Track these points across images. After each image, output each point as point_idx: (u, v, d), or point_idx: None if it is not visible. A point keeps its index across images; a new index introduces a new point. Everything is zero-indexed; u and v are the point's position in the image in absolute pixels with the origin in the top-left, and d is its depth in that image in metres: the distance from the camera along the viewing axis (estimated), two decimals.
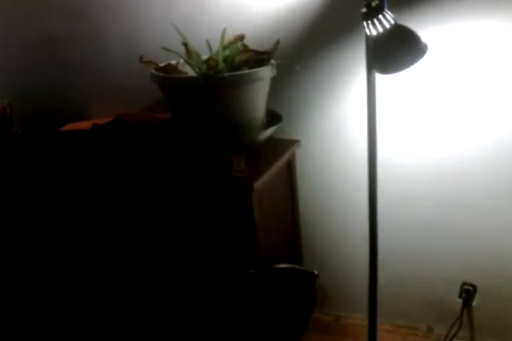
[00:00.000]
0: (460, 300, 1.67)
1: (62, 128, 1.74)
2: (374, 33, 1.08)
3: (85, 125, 1.69)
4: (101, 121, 1.66)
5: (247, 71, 1.34)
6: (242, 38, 1.42)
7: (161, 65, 1.42)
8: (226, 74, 1.32)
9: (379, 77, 1.20)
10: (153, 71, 1.40)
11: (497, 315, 1.64)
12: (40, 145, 1.68)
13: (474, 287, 1.65)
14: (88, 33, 1.76)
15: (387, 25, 1.07)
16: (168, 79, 1.38)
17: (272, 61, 1.40)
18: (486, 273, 1.61)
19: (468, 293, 1.65)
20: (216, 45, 1.40)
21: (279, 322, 1.34)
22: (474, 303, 1.66)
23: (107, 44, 1.76)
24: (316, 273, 1.35)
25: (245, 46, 1.42)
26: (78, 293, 1.74)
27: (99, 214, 1.59)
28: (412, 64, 1.10)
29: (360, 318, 1.79)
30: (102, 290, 1.71)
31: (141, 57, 1.40)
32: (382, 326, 1.72)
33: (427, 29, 1.34)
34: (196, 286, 1.44)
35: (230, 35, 1.41)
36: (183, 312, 1.49)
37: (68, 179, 1.59)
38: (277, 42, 1.39)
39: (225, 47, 1.40)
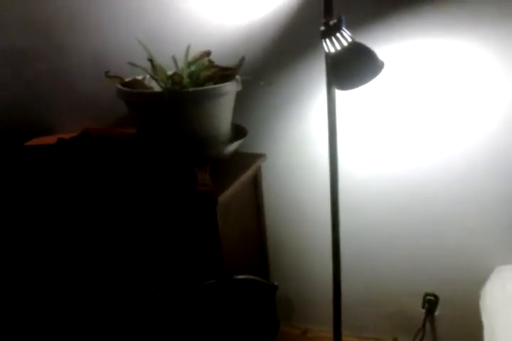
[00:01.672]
0: (423, 311, 1.71)
1: (28, 143, 1.73)
2: (332, 50, 1.12)
3: (51, 140, 1.67)
4: (66, 136, 1.65)
5: (212, 86, 1.36)
6: (208, 53, 1.44)
7: (127, 79, 1.43)
8: (191, 89, 1.34)
9: (340, 93, 1.24)
10: (119, 86, 1.41)
11: (458, 323, 1.68)
12: (5, 160, 1.66)
13: (436, 297, 1.69)
14: (54, 48, 1.76)
15: (345, 43, 1.11)
16: (133, 94, 1.39)
17: (237, 77, 1.42)
18: (447, 283, 1.65)
19: (430, 303, 1.69)
20: (183, 61, 1.42)
21: (238, 332, 1.34)
22: (436, 313, 1.70)
23: (73, 59, 1.76)
24: (277, 284, 1.36)
25: (211, 62, 1.44)
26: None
27: (65, 229, 1.58)
28: (370, 80, 1.14)
29: (327, 331, 1.80)
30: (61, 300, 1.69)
31: (106, 72, 1.42)
32: (347, 338, 1.74)
33: (383, 46, 1.39)
34: (159, 296, 1.44)
35: (196, 51, 1.43)
36: (142, 321, 1.48)
37: (32, 194, 1.57)
38: (242, 58, 1.41)
39: (191, 63, 1.42)
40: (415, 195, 1.57)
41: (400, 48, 1.41)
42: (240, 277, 1.31)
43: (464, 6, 1.32)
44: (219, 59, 1.43)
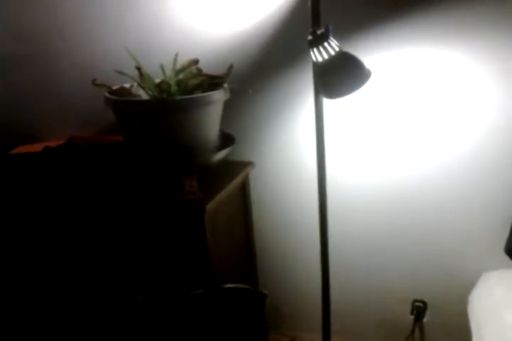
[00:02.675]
0: (412, 317, 1.71)
1: (14, 151, 1.71)
2: (320, 59, 1.13)
3: (37, 147, 1.66)
4: (53, 144, 1.64)
5: (199, 95, 1.36)
6: (196, 62, 1.44)
7: (114, 87, 1.43)
8: (178, 97, 1.34)
9: (327, 101, 1.25)
10: (106, 94, 1.41)
11: (447, 329, 1.68)
12: None
13: (425, 303, 1.69)
14: (41, 56, 1.75)
15: (332, 52, 1.12)
16: (120, 102, 1.38)
17: (225, 85, 1.42)
18: (436, 289, 1.65)
19: (419, 309, 1.70)
20: (171, 69, 1.42)
21: None
22: (425, 320, 1.71)
23: (60, 67, 1.75)
24: (265, 292, 1.36)
25: (199, 70, 1.44)
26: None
27: (52, 238, 1.56)
28: (357, 89, 1.15)
29: (316, 338, 1.80)
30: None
31: (94, 80, 1.41)
32: None
33: (370, 56, 1.40)
34: (147, 306, 1.43)
35: (184, 60, 1.43)
36: (130, 332, 1.47)
37: (17, 202, 1.56)
38: (230, 66, 1.41)
39: (179, 71, 1.42)
40: (403, 202, 1.58)
41: (387, 57, 1.42)
42: (229, 286, 1.30)
43: (453, 16, 1.33)
44: (207, 67, 1.43)
